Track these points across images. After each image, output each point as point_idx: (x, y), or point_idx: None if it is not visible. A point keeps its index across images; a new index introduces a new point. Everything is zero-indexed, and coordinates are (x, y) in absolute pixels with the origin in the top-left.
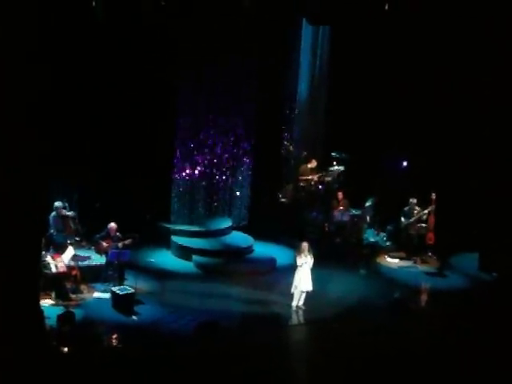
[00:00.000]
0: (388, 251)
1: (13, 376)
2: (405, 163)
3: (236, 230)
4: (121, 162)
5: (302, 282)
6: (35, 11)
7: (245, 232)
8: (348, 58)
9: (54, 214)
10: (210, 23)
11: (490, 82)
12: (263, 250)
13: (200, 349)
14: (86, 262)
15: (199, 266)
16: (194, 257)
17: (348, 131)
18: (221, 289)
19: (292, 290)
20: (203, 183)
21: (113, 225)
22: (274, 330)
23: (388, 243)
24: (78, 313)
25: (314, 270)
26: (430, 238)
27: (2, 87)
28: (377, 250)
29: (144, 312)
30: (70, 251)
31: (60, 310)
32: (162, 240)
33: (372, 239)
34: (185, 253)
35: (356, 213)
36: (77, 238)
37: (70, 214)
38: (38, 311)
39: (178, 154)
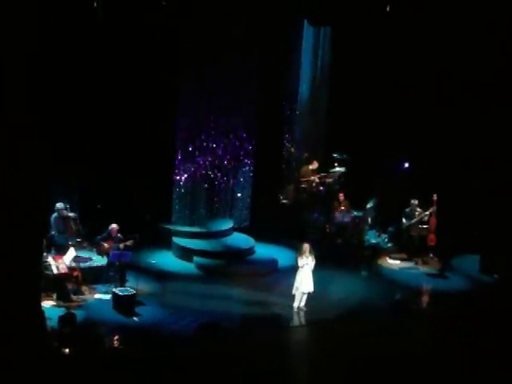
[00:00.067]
0: (389, 252)
1: (14, 377)
2: (406, 164)
3: (237, 231)
4: (122, 162)
5: (304, 283)
6: (35, 11)
7: (246, 233)
8: (349, 58)
9: (55, 215)
10: (211, 23)
11: (491, 83)
12: (264, 251)
13: (201, 350)
14: (87, 263)
15: (200, 267)
16: (195, 258)
17: (349, 132)
18: (222, 290)
19: (293, 291)
20: (204, 184)
21: (114, 226)
22: (275, 331)
23: (389, 244)
24: (79, 314)
25: (315, 271)
26: (432, 239)
27: (2, 87)
28: (378, 251)
29: (145, 313)
30: (72, 252)
31: (61, 311)
32: (163, 241)
33: (373, 240)
34: (186, 254)
35: (357, 214)
36: (78, 239)
37: (71, 215)
38: (39, 312)
39: (179, 154)
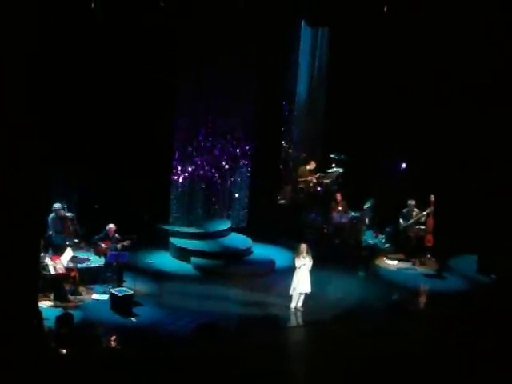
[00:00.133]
0: (387, 253)
1: (12, 377)
2: (403, 165)
3: (235, 231)
4: (120, 163)
5: (301, 283)
6: (35, 11)
7: (243, 234)
8: (347, 59)
9: (52, 215)
10: (209, 24)
11: (489, 83)
12: (262, 251)
13: (198, 350)
14: (84, 264)
15: (198, 267)
16: (193, 258)
17: (347, 133)
18: (219, 291)
19: (291, 291)
20: (202, 185)
21: (111, 226)
22: (273, 331)
23: (387, 245)
24: (77, 314)
25: (312, 271)
26: (429, 239)
27: (1, 87)
28: (375, 251)
29: (142, 314)
30: (69, 253)
31: (58, 311)
32: (161, 241)
33: (371, 241)
34: (183, 254)
35: (355, 214)
36: (75, 240)
37: (68, 215)
38: (37, 313)
39: (177, 155)
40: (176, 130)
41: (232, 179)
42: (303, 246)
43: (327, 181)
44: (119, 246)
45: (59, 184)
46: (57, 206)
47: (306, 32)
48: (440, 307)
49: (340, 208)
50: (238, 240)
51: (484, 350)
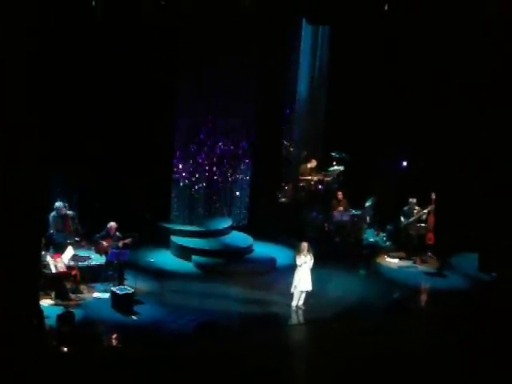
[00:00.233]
0: (388, 251)
1: (12, 376)
2: (404, 163)
3: (236, 229)
4: (120, 161)
5: (302, 281)
6: (35, 11)
7: (244, 232)
8: (347, 58)
9: (53, 213)
10: (209, 24)
11: (488, 83)
12: (263, 249)
13: (199, 349)
14: (85, 262)
15: (199, 265)
16: (194, 257)
17: (347, 131)
18: (220, 289)
19: (291, 289)
20: (203, 183)
21: (112, 224)
22: (274, 329)
23: (388, 243)
24: (78, 313)
25: (313, 269)
26: (430, 237)
27: (1, 87)
28: (376, 250)
29: (143, 312)
30: (70, 251)
31: (60, 309)
32: (162, 240)
33: (372, 239)
34: (184, 253)
35: (356, 213)
36: (76, 238)
37: (69, 213)
38: (38, 311)
39: (178, 154)
40: (176, 129)
41: (233, 177)
42: (304, 244)
43: (328, 179)
44: (120, 244)
45: (60, 183)
46: (58, 204)
47: (306, 31)
48: (441, 305)
49: (341, 206)
50: (238, 238)
51: (485, 348)
